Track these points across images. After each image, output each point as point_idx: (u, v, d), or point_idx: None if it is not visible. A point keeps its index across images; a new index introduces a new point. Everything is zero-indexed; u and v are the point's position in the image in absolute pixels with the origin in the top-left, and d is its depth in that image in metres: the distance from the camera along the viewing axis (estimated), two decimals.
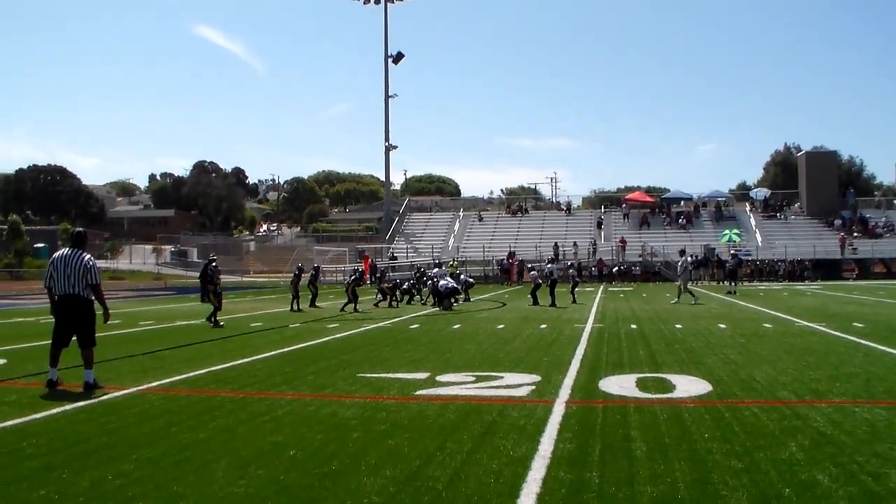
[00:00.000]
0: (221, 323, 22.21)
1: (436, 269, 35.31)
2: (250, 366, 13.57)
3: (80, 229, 12.07)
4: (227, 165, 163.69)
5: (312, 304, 31.10)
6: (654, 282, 57.84)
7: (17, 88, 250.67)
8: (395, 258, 65.80)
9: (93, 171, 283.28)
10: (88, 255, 11.36)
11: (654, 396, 10.14)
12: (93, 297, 11.27)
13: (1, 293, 48.33)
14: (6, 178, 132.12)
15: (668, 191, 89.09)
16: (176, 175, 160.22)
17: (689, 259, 36.58)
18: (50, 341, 11.31)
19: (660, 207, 78.01)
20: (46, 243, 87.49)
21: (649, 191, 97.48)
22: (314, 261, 51.33)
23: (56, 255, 11.44)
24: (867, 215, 70.87)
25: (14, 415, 9.16)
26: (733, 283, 40.21)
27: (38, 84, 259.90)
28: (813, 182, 73.28)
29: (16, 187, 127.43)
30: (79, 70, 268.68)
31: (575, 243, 66.01)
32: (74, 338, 11.24)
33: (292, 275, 31.54)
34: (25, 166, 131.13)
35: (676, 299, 31.69)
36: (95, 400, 10.18)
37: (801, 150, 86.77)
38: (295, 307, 29.02)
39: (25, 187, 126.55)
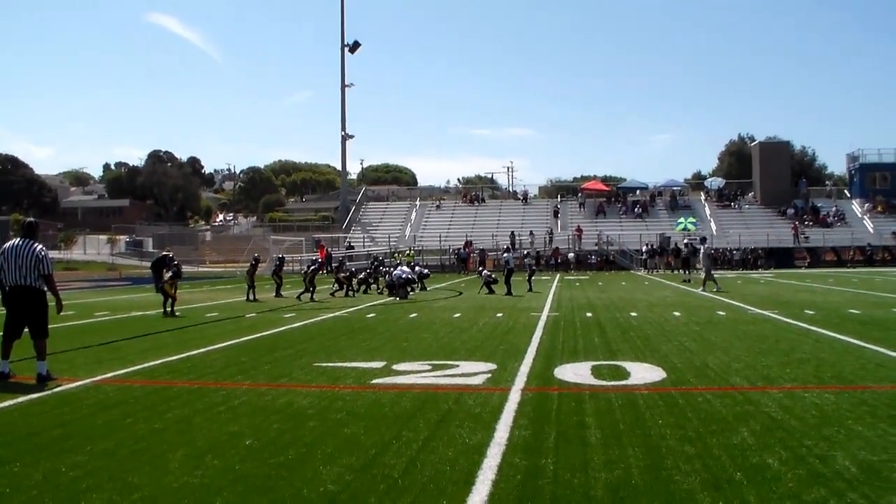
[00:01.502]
0: (177, 313, 22.11)
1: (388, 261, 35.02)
2: (206, 356, 13.51)
3: (32, 219, 11.90)
4: (182, 155, 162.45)
5: (278, 293, 30.84)
6: (610, 270, 58.19)
7: None
8: (352, 247, 65.60)
9: (46, 161, 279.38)
10: (40, 246, 11.23)
11: (609, 384, 10.23)
12: (45, 288, 11.15)
13: None
14: None
15: (625, 180, 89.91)
16: (131, 165, 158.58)
17: (709, 247, 36.75)
18: (1, 333, 11.19)
19: (616, 196, 78.54)
20: None
21: (605, 180, 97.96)
22: (277, 251, 51.02)
23: (7, 245, 11.28)
24: (819, 205, 72.04)
25: None
26: (688, 272, 40.52)
27: None
28: (766, 172, 74.15)
29: None
30: (32, 58, 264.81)
31: (531, 232, 66.22)
32: (27, 329, 11.11)
33: (249, 265, 31.32)
34: None
35: (702, 287, 31.82)
36: (49, 392, 10.09)
37: (754, 141, 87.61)
38: (251, 297, 28.88)
39: None
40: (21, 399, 9.57)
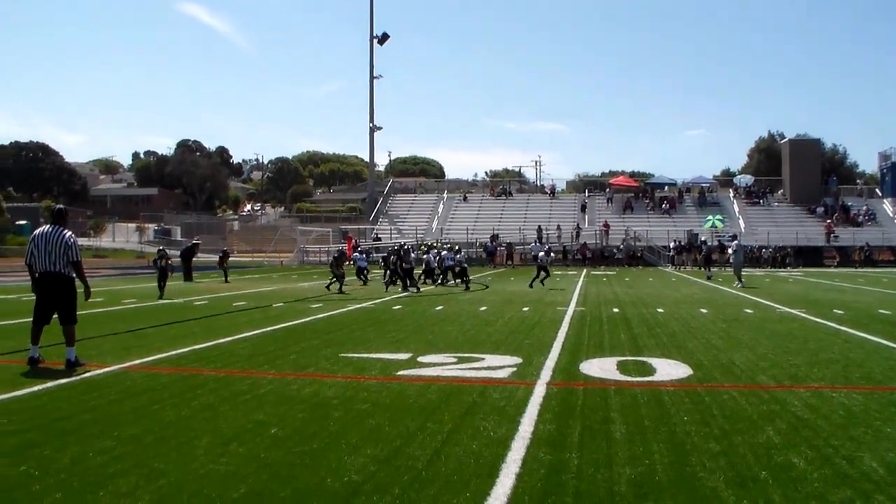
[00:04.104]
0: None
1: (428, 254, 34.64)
2: (233, 345, 13.57)
3: (61, 206, 12.00)
4: (211, 144, 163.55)
5: (340, 290, 30.27)
6: (637, 266, 57.98)
7: (1, 65, 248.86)
8: (379, 239, 65.71)
9: (76, 149, 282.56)
10: (69, 233, 11.30)
11: (634, 379, 10.19)
12: (74, 275, 11.23)
13: None
14: None
15: (653, 176, 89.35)
16: (160, 153, 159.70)
17: (739, 243, 36.65)
18: (31, 319, 11.28)
19: (643, 192, 78.19)
20: (28, 220, 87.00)
21: (633, 175, 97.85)
22: (304, 242, 51.16)
23: (37, 232, 11.38)
24: (849, 203, 71.27)
25: None
26: (709, 269, 40.31)
27: (23, 60, 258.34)
28: (796, 169, 73.60)
29: None
30: (64, 47, 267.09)
31: (559, 226, 66.06)
32: (56, 315, 11.21)
33: (332, 258, 30.90)
34: (8, 143, 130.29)
35: (739, 283, 31.96)
36: (77, 377, 10.18)
37: (784, 138, 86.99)
38: (337, 288, 28.76)
39: (7, 164, 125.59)
40: (50, 384, 9.66)
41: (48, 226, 11.36)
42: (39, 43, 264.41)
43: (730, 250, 35.29)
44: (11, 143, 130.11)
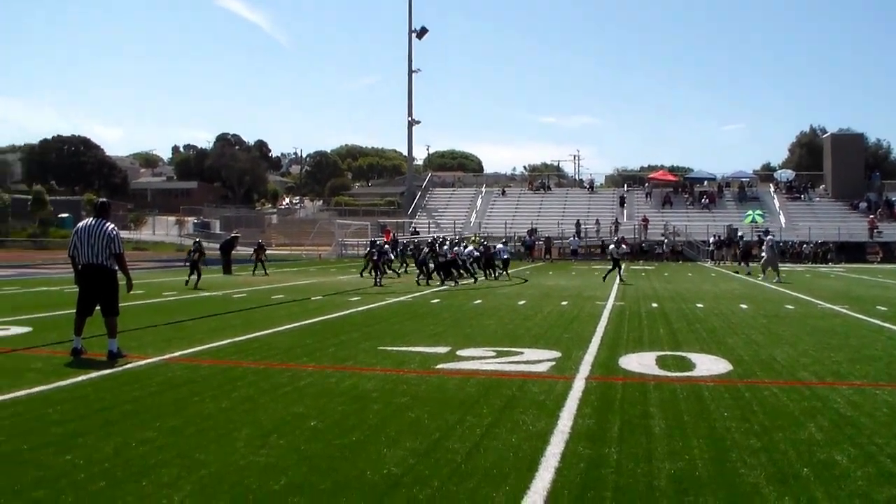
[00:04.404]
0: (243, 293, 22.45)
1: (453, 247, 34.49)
2: (272, 337, 13.64)
3: (104, 199, 12.06)
4: (250, 138, 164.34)
5: (378, 282, 30.27)
6: (677, 261, 57.66)
7: (43, 59, 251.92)
8: (417, 233, 65.81)
9: (117, 143, 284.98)
10: (112, 225, 11.41)
11: (673, 374, 10.14)
12: (116, 267, 11.36)
13: (25, 262, 48.68)
14: (31, 149, 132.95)
15: (692, 170, 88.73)
16: (199, 147, 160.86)
17: (774, 238, 36.53)
18: (74, 310, 11.41)
19: (682, 187, 77.73)
20: (70, 213, 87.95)
21: (672, 170, 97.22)
22: (342, 235, 51.34)
23: (80, 224, 11.51)
24: (893, 199, 70.33)
25: (40, 382, 9.26)
26: (746, 264, 40.02)
27: (64, 55, 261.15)
28: (838, 164, 72.84)
29: (40, 157, 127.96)
30: (104, 41, 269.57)
31: (597, 221, 65.89)
32: (98, 307, 11.33)
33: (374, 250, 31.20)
34: (50, 137, 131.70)
35: (777, 278, 31.85)
36: (119, 368, 10.28)
37: (826, 132, 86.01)
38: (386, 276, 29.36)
39: (50, 157, 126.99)
40: (93, 375, 9.77)
41: (91, 219, 11.48)
42: (80, 38, 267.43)
43: (764, 245, 35.04)
44: (54, 137, 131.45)
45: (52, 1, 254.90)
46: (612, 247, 33.12)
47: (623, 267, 32.82)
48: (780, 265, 33.93)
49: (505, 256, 32.61)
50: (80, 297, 11.35)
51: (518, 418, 7.56)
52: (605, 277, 30.96)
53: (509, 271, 32.55)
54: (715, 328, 15.35)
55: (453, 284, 28.80)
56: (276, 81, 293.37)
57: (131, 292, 12.56)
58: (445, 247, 31.10)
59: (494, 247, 34.16)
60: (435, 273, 30.30)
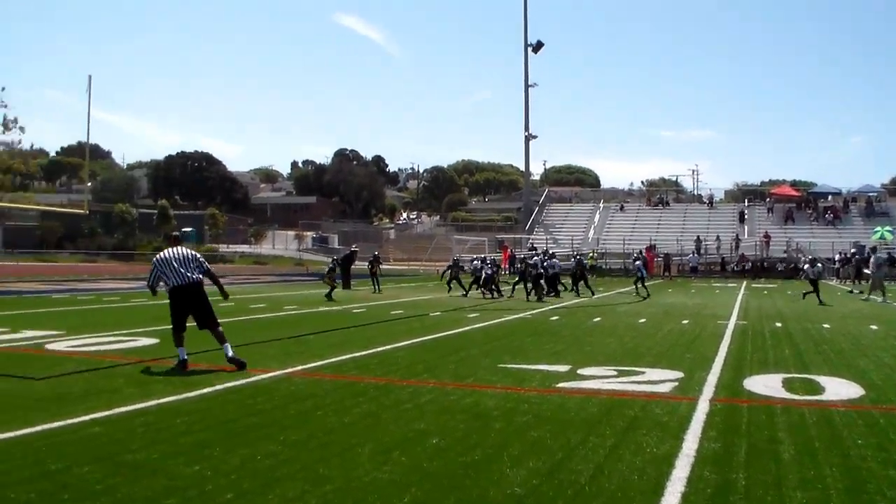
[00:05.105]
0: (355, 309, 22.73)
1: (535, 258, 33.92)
2: (392, 353, 13.72)
3: (176, 232, 13.29)
4: (367, 153, 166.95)
5: (539, 295, 30.25)
6: (800, 279, 56.08)
7: (169, 79, 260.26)
8: (535, 248, 65.63)
9: (237, 159, 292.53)
10: (191, 250, 12.23)
11: (801, 398, 9.81)
12: (202, 280, 11.87)
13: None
14: (157, 165, 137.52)
15: (815, 185, 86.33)
16: (317, 163, 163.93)
17: (885, 256, 35.42)
18: (195, 325, 11.81)
19: (806, 202, 75.58)
20: (193, 227, 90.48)
21: (795, 184, 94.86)
22: (459, 251, 51.72)
23: (161, 255, 12.07)
24: None
25: (168, 392, 9.50)
26: (859, 282, 38.65)
27: (188, 74, 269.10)
28: None
29: (165, 173, 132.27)
30: (225, 60, 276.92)
31: (717, 237, 64.69)
32: (194, 321, 11.85)
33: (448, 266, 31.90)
34: (175, 153, 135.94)
35: (882, 297, 30.75)
36: (243, 381, 10.47)
37: None
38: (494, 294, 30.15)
39: (174, 173, 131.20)
40: (218, 387, 9.97)
41: (169, 249, 12.09)
42: (202, 59, 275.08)
43: (872, 261, 33.79)
44: (178, 153, 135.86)
45: (174, 26, 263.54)
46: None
47: (641, 283, 32.42)
48: None
49: (554, 271, 31.52)
50: (174, 317, 11.78)
51: (641, 440, 7.42)
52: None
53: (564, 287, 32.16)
54: (843, 350, 14.84)
55: (537, 299, 29.10)
56: (394, 97, 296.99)
57: (226, 301, 13.22)
58: (535, 259, 31.30)
59: (549, 261, 33.15)
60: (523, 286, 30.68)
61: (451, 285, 33.42)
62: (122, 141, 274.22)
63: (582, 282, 33.76)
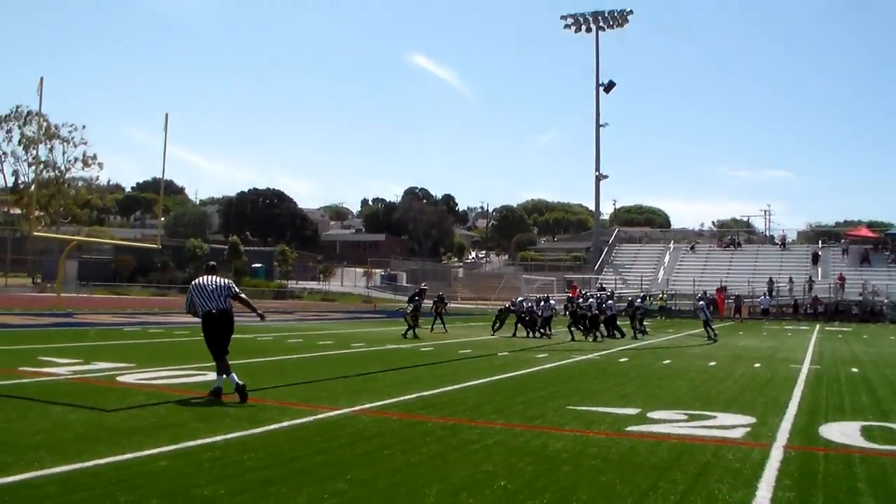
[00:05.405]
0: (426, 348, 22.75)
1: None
2: (460, 393, 13.66)
3: (212, 262, 13.30)
4: (437, 192, 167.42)
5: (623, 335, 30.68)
6: (876, 323, 54.91)
7: (242, 117, 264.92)
8: (604, 289, 65.19)
9: (308, 196, 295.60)
10: (223, 279, 12.40)
11: (882, 447, 9.50)
12: (231, 309, 12.11)
13: None
14: (229, 201, 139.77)
15: (893, 225, 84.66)
16: (387, 200, 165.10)
17: None
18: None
19: (883, 243, 74.02)
20: (263, 263, 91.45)
21: (871, 225, 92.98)
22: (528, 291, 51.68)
23: (196, 282, 12.35)
24: None
25: (235, 428, 9.53)
26: None
27: (260, 113, 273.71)
28: None
29: (237, 209, 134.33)
30: (298, 98, 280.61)
31: (790, 279, 63.66)
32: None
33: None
34: (246, 189, 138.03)
35: None
36: (310, 418, 10.47)
37: None
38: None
39: (246, 209, 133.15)
40: (285, 424, 9.97)
41: (204, 276, 12.35)
42: (276, 97, 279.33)
43: None
44: (250, 189, 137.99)
45: (251, 71, 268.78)
46: None
47: (706, 325, 31.94)
48: None
49: (548, 314, 31.17)
50: (209, 343, 11.97)
51: (713, 487, 7.25)
52: None
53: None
54: None
55: (593, 339, 29.28)
56: (464, 135, 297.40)
57: (263, 320, 13.96)
58: (590, 301, 31.65)
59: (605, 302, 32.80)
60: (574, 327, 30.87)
61: (500, 324, 33.85)
62: (195, 177, 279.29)
63: (629, 322, 33.61)
